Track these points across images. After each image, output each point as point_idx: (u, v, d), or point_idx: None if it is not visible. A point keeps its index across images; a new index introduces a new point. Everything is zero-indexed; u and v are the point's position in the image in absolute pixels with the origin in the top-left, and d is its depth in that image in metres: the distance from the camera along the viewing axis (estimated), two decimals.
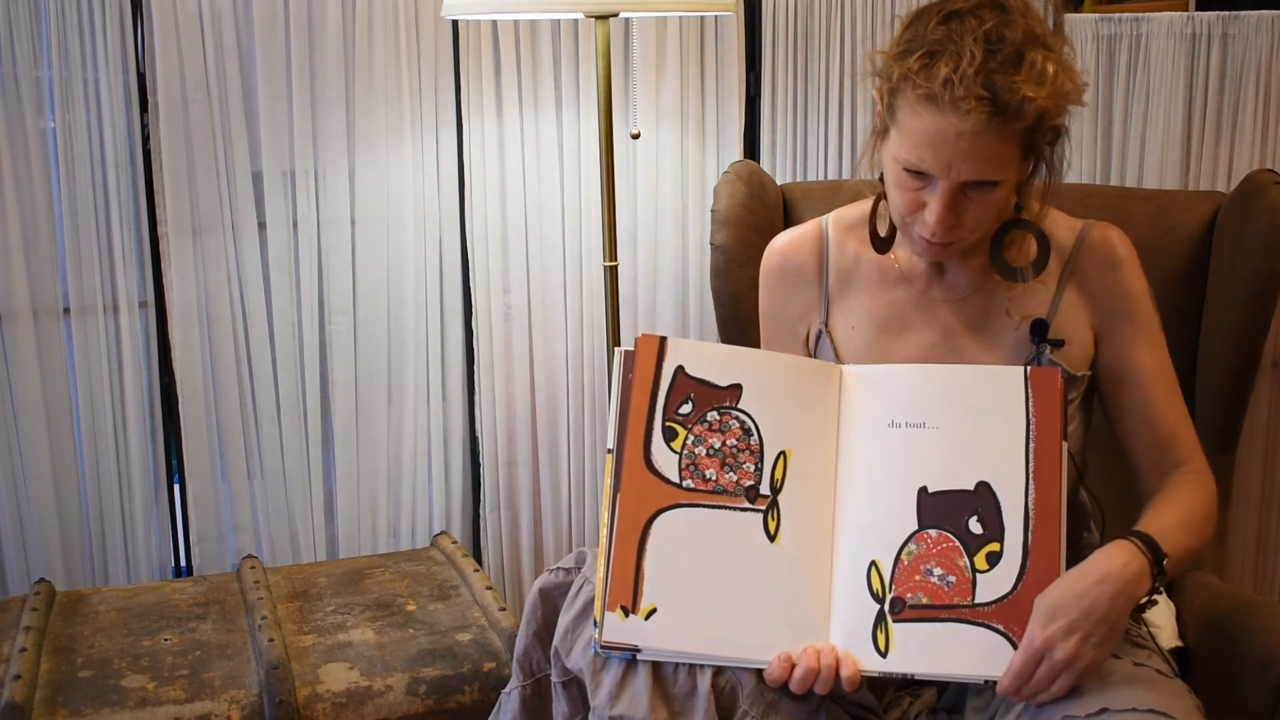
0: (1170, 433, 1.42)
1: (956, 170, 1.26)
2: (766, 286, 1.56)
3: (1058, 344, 1.40)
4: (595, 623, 1.27)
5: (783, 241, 1.55)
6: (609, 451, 1.32)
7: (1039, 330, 1.40)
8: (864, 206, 1.51)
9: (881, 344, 1.46)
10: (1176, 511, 1.34)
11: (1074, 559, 1.39)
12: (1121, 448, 1.45)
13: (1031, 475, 1.29)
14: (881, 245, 1.46)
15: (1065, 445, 1.31)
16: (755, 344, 1.62)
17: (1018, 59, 1.22)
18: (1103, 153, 2.41)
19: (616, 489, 1.30)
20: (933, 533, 1.29)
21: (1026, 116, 1.22)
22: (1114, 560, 1.23)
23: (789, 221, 2.05)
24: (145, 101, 2.11)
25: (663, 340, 1.36)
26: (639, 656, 1.26)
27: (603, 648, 1.26)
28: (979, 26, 1.23)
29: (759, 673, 1.26)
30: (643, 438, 1.32)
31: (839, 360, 1.47)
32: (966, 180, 1.27)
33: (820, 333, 1.50)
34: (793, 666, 1.24)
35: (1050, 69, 1.23)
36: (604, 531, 1.29)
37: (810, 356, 1.52)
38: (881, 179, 1.40)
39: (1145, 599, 1.26)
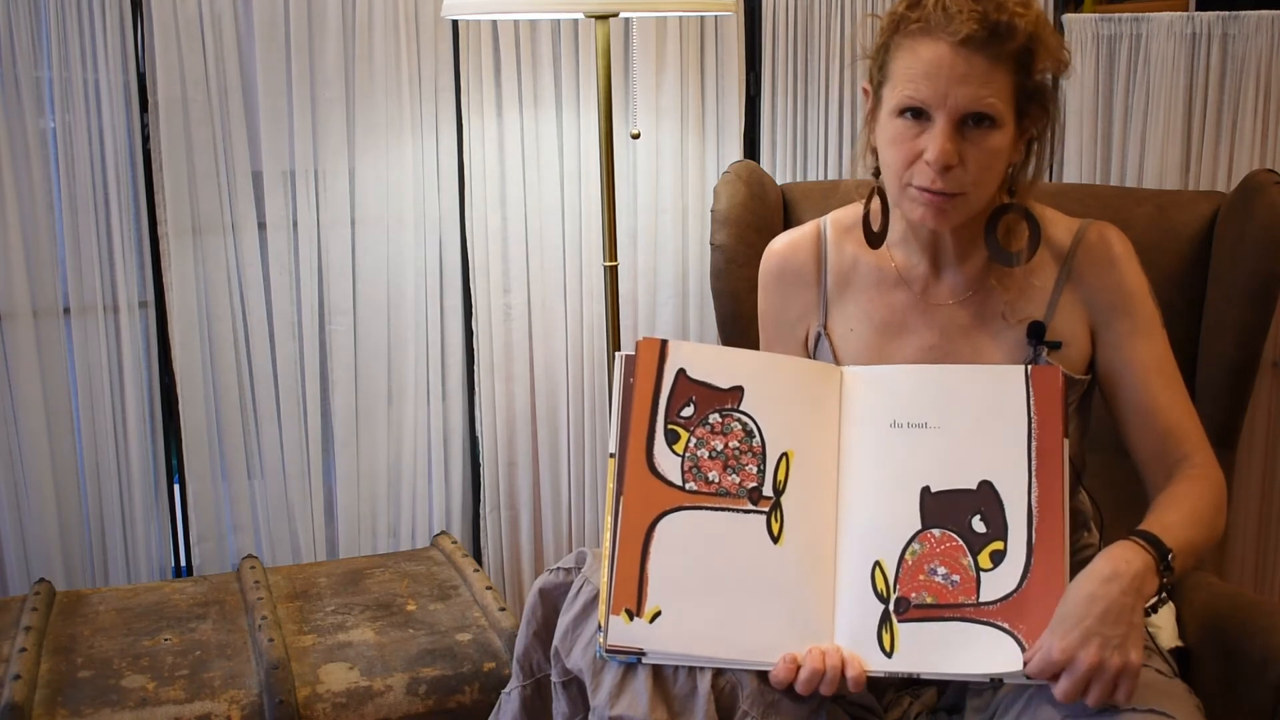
0: (1172, 427, 1.40)
1: (953, 98, 1.27)
2: (765, 288, 1.56)
3: (1055, 346, 1.40)
4: (600, 626, 1.27)
5: (781, 244, 1.55)
6: (611, 455, 1.32)
7: (1036, 333, 1.40)
8: (861, 208, 1.51)
9: (879, 346, 1.47)
10: (1180, 508, 1.33)
11: (1072, 561, 1.39)
12: (1126, 445, 1.44)
13: (1034, 473, 1.29)
14: (875, 240, 1.47)
15: (1066, 443, 1.31)
16: (755, 344, 1.62)
17: None
18: (1103, 153, 2.41)
19: (619, 492, 1.30)
20: (936, 532, 1.29)
21: (1017, 36, 1.26)
22: (1117, 559, 1.23)
23: (789, 221, 2.05)
24: (145, 101, 2.11)
25: (664, 343, 1.36)
26: (644, 660, 1.26)
27: (608, 652, 1.26)
28: None
29: (760, 673, 1.26)
30: (645, 441, 1.32)
31: (838, 362, 1.47)
32: (964, 110, 1.28)
33: (819, 334, 1.50)
34: (798, 668, 1.24)
35: (1035, 6, 1.30)
36: (607, 535, 1.29)
37: (809, 358, 1.52)
38: (876, 174, 1.40)
39: (1155, 597, 1.25)
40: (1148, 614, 1.24)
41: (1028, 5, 1.28)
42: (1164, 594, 1.25)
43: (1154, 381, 1.41)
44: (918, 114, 1.30)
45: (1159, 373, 1.41)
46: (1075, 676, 1.17)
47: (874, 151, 1.40)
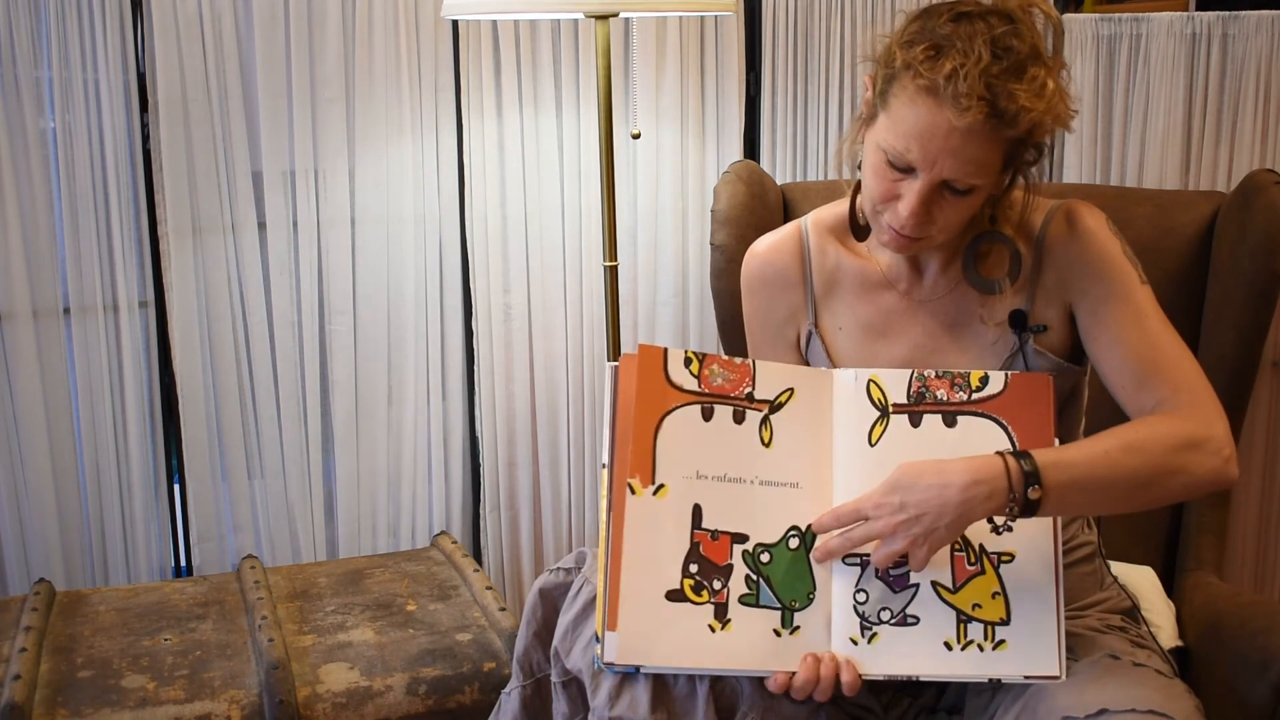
0: (1148, 373, 1.34)
1: (940, 166, 1.27)
2: (750, 291, 1.56)
3: (1040, 330, 1.40)
4: (597, 638, 1.27)
5: (763, 246, 1.55)
6: (603, 466, 1.32)
7: (1018, 321, 1.40)
8: (841, 207, 1.51)
9: (866, 345, 1.47)
10: (1110, 438, 1.28)
11: (1071, 550, 1.40)
12: (1120, 404, 1.40)
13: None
14: (860, 232, 1.48)
15: (1057, 442, 1.31)
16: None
17: (1021, 69, 1.23)
18: (1103, 153, 2.41)
19: (611, 504, 1.30)
20: None
21: (1020, 126, 1.23)
22: (968, 473, 1.22)
23: (788, 221, 2.05)
24: (145, 101, 2.11)
25: (665, 351, 1.35)
26: (643, 670, 1.26)
27: (606, 664, 1.26)
28: (988, 31, 1.24)
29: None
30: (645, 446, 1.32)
31: (832, 360, 1.48)
32: (947, 179, 1.28)
33: (810, 333, 1.51)
34: (792, 675, 1.24)
35: (1050, 86, 1.24)
36: (602, 548, 1.29)
37: (801, 358, 1.53)
38: (860, 168, 1.40)
39: (1005, 519, 1.27)
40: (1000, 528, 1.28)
41: (1041, 92, 1.23)
42: (1011, 519, 1.26)
43: (1130, 334, 1.36)
44: (901, 164, 1.30)
45: (1135, 325, 1.36)
46: (868, 529, 1.25)
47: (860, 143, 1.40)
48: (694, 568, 1.28)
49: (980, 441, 1.31)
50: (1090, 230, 1.39)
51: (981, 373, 1.34)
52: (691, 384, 1.33)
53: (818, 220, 1.53)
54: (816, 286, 1.51)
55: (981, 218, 1.39)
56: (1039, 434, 1.31)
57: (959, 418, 1.33)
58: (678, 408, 1.32)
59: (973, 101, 1.21)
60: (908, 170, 1.29)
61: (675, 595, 1.27)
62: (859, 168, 1.40)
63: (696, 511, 1.29)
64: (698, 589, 1.27)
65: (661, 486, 1.29)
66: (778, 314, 1.53)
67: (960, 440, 1.31)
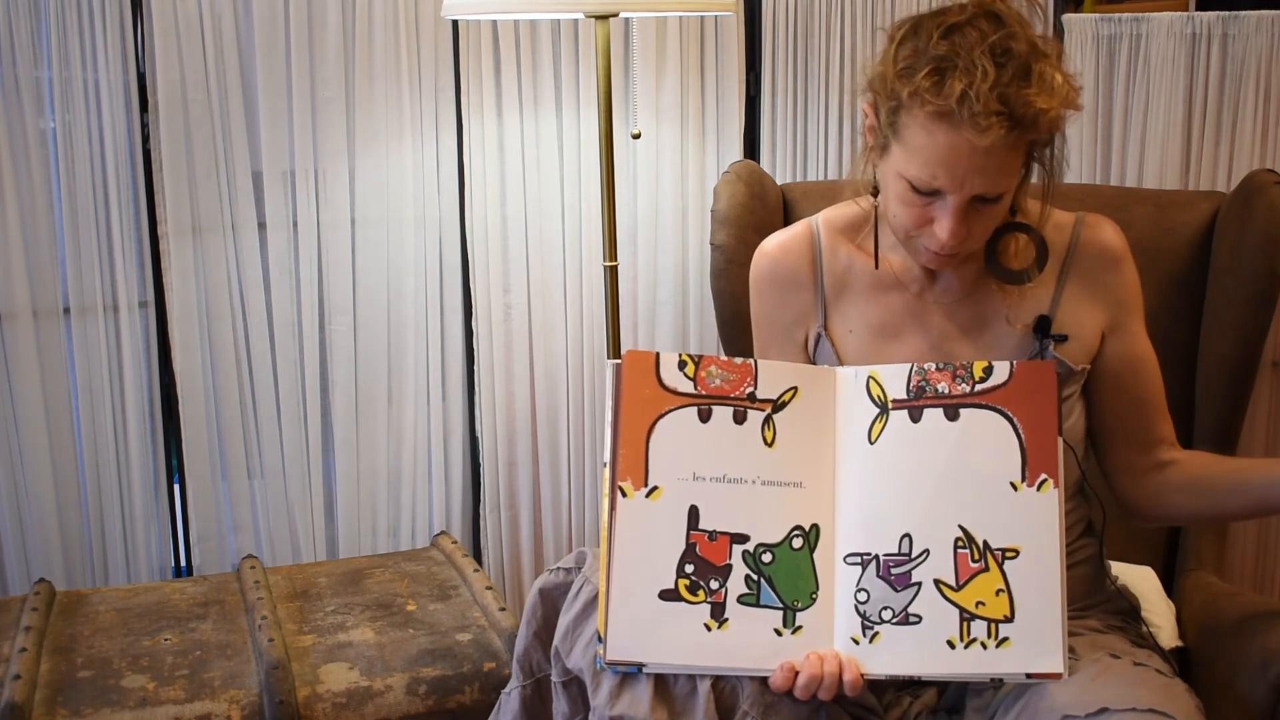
0: (1163, 414, 1.47)
1: (970, 185, 1.26)
2: (758, 291, 1.55)
3: (1061, 339, 1.40)
4: (599, 638, 1.27)
5: (773, 245, 1.54)
6: (603, 464, 1.32)
7: (1042, 327, 1.40)
8: (853, 209, 1.50)
9: (877, 348, 1.47)
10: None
11: (1073, 552, 1.39)
12: (1108, 427, 1.46)
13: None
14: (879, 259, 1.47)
15: (1061, 440, 1.31)
16: (752, 346, 1.62)
17: (1026, 72, 1.22)
18: (1103, 153, 2.41)
19: (613, 504, 1.30)
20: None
21: (1040, 128, 1.23)
22: None
23: (789, 222, 2.05)
24: (145, 101, 2.11)
25: (657, 355, 1.35)
26: (644, 670, 1.26)
27: (608, 664, 1.26)
28: (982, 40, 1.22)
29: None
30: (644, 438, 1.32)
31: (841, 362, 1.47)
32: (978, 194, 1.28)
33: (819, 335, 1.50)
34: (796, 674, 1.24)
35: (1058, 78, 1.24)
36: (604, 546, 1.29)
37: (809, 359, 1.52)
38: (875, 192, 1.40)
39: None
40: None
41: (1053, 89, 1.22)
42: None
43: (1157, 374, 1.45)
44: (929, 190, 1.29)
45: (1157, 366, 1.46)
46: None
47: (872, 167, 1.39)
48: (690, 568, 1.28)
49: (984, 435, 1.30)
50: (1127, 257, 1.44)
51: (985, 363, 1.33)
52: (686, 386, 1.33)
53: (829, 220, 1.52)
54: (827, 288, 1.50)
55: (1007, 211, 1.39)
56: (1043, 424, 1.30)
57: (961, 410, 1.33)
58: (672, 410, 1.32)
59: (991, 119, 1.20)
60: (934, 194, 1.29)
61: (669, 595, 1.27)
62: (874, 194, 1.40)
63: (693, 512, 1.29)
64: (693, 589, 1.28)
65: (655, 489, 1.29)
66: (786, 315, 1.52)
67: (963, 434, 1.31)
